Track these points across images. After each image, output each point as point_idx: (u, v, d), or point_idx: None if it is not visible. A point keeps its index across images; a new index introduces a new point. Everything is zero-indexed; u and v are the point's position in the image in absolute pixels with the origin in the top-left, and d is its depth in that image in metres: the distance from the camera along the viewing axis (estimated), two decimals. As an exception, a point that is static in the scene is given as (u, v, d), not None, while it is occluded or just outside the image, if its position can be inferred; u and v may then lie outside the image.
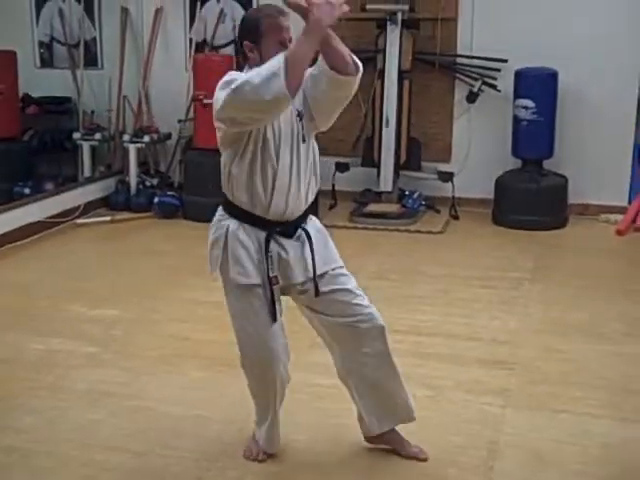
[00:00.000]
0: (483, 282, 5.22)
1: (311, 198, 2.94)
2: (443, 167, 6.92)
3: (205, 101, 6.30)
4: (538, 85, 6.48)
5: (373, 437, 3.17)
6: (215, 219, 2.93)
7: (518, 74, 6.54)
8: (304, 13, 2.53)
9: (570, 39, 6.57)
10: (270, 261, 2.82)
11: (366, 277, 5.26)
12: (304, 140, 2.85)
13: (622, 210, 6.62)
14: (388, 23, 6.59)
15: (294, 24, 2.71)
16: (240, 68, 2.82)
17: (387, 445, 3.17)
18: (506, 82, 6.68)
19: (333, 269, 2.97)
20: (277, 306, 2.86)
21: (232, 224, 2.84)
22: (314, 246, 2.92)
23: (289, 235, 2.89)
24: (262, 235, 2.83)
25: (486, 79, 6.79)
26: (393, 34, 6.59)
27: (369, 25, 6.79)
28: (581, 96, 6.64)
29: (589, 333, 4.39)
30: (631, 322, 4.54)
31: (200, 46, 7.41)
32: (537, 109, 6.42)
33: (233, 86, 2.55)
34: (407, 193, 6.79)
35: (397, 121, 6.67)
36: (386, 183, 6.71)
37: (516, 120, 6.56)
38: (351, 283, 3.00)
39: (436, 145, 7.11)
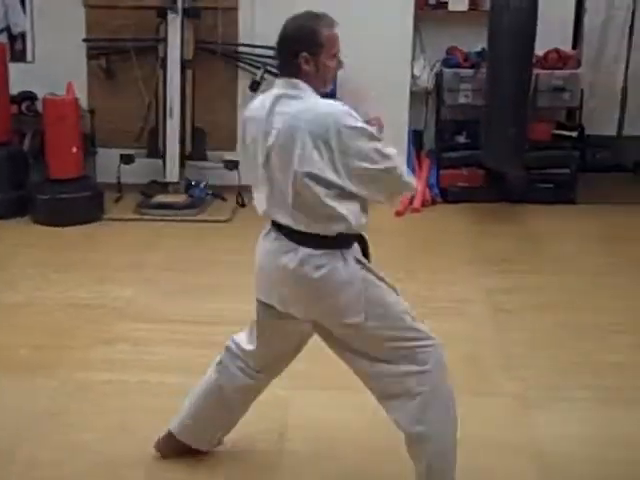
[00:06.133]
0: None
1: None
2: (229, 156, 6.93)
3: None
4: (317, 73, 6.63)
5: None
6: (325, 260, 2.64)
7: (298, 63, 6.67)
8: None
9: (345, 26, 6.73)
10: None
11: (154, 268, 5.25)
12: None
13: (400, 193, 6.91)
14: (168, 12, 6.52)
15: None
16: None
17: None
18: (288, 71, 6.79)
19: None
20: None
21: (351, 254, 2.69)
22: None
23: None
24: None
25: (268, 67, 6.86)
26: (174, 23, 6.53)
27: (149, 13, 6.67)
28: (358, 82, 6.84)
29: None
30: (407, 299, 4.76)
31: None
32: (318, 97, 6.57)
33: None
34: (194, 183, 6.77)
35: (181, 111, 6.63)
36: (172, 174, 6.67)
37: (298, 108, 6.68)
38: None
39: (221, 134, 7.09)
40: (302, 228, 2.61)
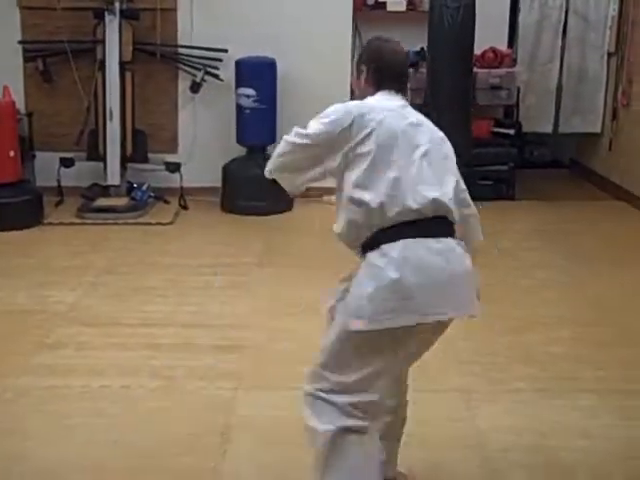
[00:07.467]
0: (214, 269, 5.30)
1: None
2: (170, 158, 6.91)
3: None
4: (258, 74, 6.65)
5: None
6: None
7: (238, 63, 6.67)
8: None
9: (285, 27, 6.80)
10: None
11: (95, 273, 5.19)
12: None
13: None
14: (106, 13, 6.46)
15: None
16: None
17: None
18: (228, 71, 6.79)
19: None
20: None
21: None
22: None
23: None
24: None
25: (208, 69, 6.86)
26: (112, 24, 6.47)
27: (86, 15, 6.60)
28: (298, 82, 6.88)
29: (315, 312, 4.58)
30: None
31: None
32: (258, 97, 6.59)
33: None
34: (135, 186, 6.71)
35: (121, 113, 6.58)
36: (113, 176, 6.62)
37: (239, 108, 6.70)
38: None
39: (162, 136, 7.08)
40: (455, 217, 2.68)
